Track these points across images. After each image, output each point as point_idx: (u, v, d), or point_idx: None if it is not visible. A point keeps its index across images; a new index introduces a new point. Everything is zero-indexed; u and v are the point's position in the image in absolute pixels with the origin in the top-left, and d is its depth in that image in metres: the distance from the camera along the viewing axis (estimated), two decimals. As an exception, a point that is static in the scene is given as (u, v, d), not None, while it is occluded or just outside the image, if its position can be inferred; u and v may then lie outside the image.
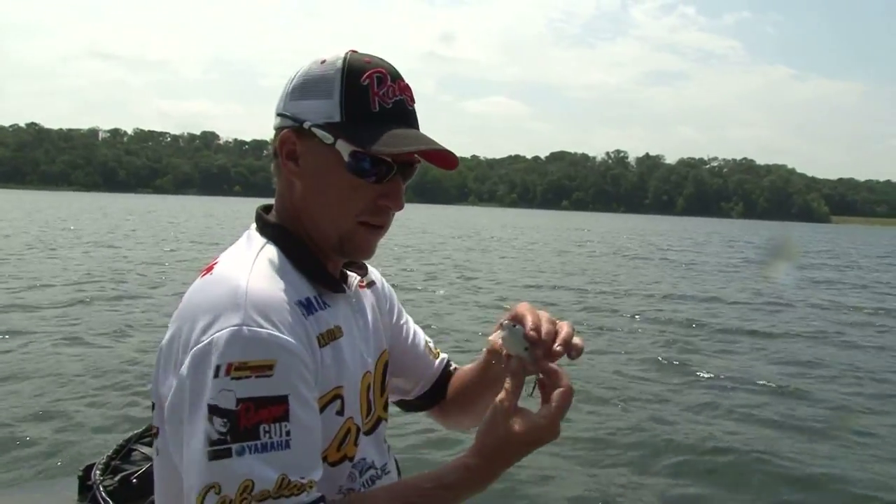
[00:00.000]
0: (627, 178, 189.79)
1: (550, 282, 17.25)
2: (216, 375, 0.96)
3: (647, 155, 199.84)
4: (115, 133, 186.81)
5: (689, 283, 18.58)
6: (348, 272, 1.27)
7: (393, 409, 1.40)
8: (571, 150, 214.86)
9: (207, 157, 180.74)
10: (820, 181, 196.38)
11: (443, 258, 22.97)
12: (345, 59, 1.12)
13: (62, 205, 62.23)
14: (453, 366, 1.49)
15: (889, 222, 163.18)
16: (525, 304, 1.15)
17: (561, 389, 1.06)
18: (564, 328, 1.12)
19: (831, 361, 9.16)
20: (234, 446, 0.94)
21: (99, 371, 7.15)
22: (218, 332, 0.98)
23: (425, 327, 1.56)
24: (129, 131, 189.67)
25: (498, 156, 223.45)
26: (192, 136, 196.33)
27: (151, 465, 1.18)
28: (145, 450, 1.65)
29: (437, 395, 1.46)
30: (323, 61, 1.13)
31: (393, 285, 1.48)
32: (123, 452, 1.74)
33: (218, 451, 0.94)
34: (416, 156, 1.17)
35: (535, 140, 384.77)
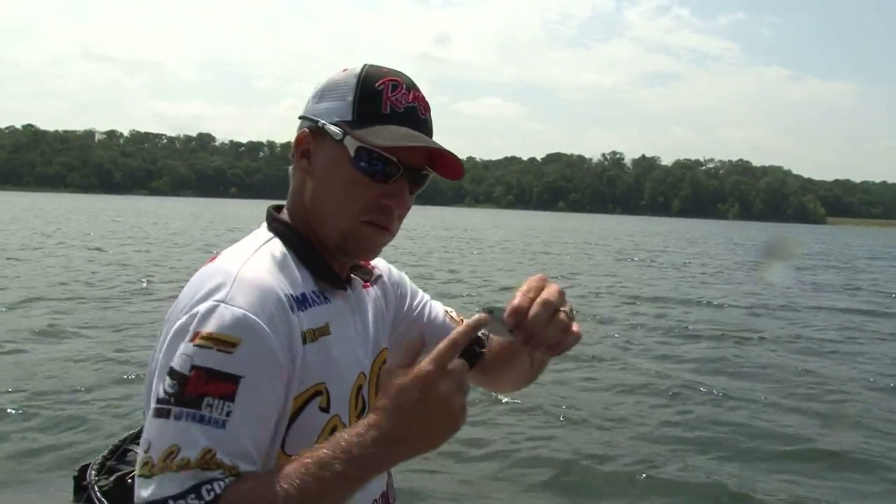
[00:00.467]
0: (624, 180, 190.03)
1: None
2: (190, 341, 1.00)
3: (644, 156, 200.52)
4: (112, 135, 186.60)
5: (687, 285, 18.63)
6: (353, 276, 1.28)
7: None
8: (566, 151, 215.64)
9: (203, 159, 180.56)
10: (816, 182, 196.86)
11: (427, 256, 22.97)
12: (364, 67, 1.18)
13: (60, 206, 62.06)
14: (482, 332, 1.47)
15: (885, 223, 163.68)
16: (537, 276, 1.10)
17: (447, 337, 1.00)
18: (558, 316, 1.06)
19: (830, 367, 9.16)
20: (175, 409, 0.96)
21: (94, 371, 7.15)
22: (199, 306, 1.02)
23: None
24: (126, 133, 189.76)
25: (494, 157, 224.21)
26: (188, 138, 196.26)
27: None
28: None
29: (469, 359, 1.43)
30: (345, 70, 1.19)
31: None
32: (119, 452, 1.74)
33: (160, 409, 0.97)
34: (426, 166, 1.20)
35: (531, 141, 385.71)
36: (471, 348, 1.46)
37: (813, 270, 24.87)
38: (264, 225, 1.23)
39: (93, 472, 1.35)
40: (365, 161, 1.14)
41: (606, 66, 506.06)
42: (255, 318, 1.01)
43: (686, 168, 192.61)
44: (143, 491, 0.96)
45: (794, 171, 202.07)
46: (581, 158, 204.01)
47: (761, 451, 5.69)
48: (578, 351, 9.12)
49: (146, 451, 0.97)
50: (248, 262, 1.09)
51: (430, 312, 1.47)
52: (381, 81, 1.16)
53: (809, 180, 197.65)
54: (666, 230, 66.59)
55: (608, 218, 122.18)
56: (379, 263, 1.40)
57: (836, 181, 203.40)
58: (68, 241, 24.14)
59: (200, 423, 0.96)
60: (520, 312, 1.04)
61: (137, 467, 1.00)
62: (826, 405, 7.09)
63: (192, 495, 0.93)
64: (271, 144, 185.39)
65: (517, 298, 1.06)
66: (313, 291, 1.16)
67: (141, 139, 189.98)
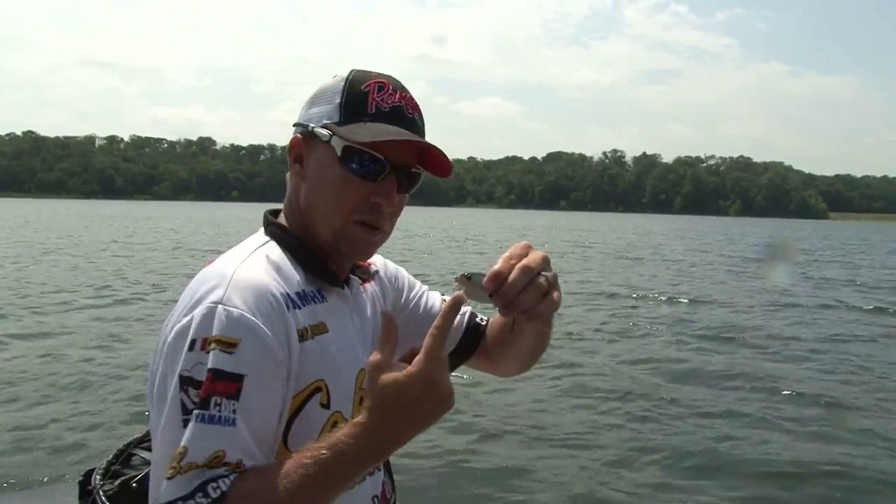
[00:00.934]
0: (625, 178, 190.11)
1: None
2: (190, 349, 1.01)
3: (644, 154, 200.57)
4: (112, 140, 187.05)
5: (690, 282, 18.63)
6: (351, 276, 1.30)
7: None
8: (566, 149, 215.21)
9: (204, 163, 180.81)
10: (817, 178, 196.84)
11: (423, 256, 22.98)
12: (351, 71, 1.21)
13: (60, 213, 62.13)
14: (479, 317, 1.50)
15: (887, 218, 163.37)
16: (522, 243, 1.11)
17: (430, 330, 1.00)
18: (538, 281, 1.06)
19: (832, 359, 9.16)
20: (192, 414, 0.99)
21: (99, 376, 7.17)
22: (197, 309, 1.04)
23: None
24: (126, 138, 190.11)
25: (495, 157, 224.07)
26: (188, 142, 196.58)
27: None
28: (145, 454, 1.66)
29: (469, 347, 1.47)
30: (335, 76, 1.22)
31: None
32: (123, 457, 1.74)
33: (169, 413, 1.01)
34: (417, 165, 1.22)
35: (530, 140, 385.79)
36: (472, 322, 1.48)
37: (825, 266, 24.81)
38: (261, 229, 1.25)
39: (98, 477, 1.34)
40: (352, 160, 1.15)
41: (605, 64, 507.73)
42: (251, 317, 1.03)
43: (687, 165, 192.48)
44: (155, 493, 0.99)
45: (795, 167, 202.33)
46: (582, 157, 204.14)
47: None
48: (575, 350, 9.13)
49: (159, 455, 1.00)
50: (243, 264, 1.11)
51: (427, 302, 1.48)
52: (367, 84, 1.19)
53: (810, 175, 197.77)
54: (664, 228, 66.49)
55: (610, 216, 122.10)
56: (375, 258, 1.41)
57: (837, 176, 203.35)
58: (79, 244, 24.19)
59: (210, 424, 0.98)
60: (499, 277, 1.05)
61: (152, 470, 1.03)
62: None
63: (200, 494, 0.95)
64: (272, 147, 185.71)
65: (498, 264, 1.06)
66: (310, 290, 1.17)
67: (141, 144, 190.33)
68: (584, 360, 8.59)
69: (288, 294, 1.12)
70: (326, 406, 1.15)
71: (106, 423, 5.80)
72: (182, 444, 0.97)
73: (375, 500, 1.28)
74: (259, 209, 1.34)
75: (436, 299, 1.50)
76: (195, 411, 0.98)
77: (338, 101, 1.18)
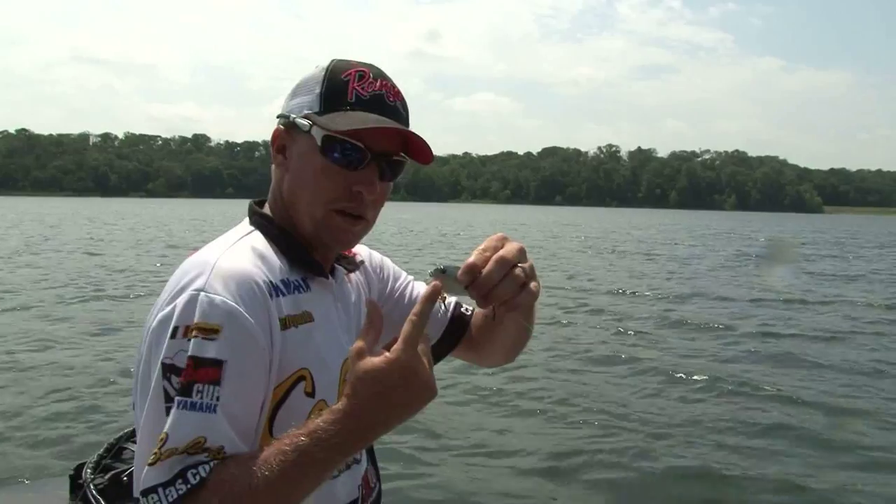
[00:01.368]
0: (620, 173, 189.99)
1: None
2: (173, 336, 1.02)
3: (640, 149, 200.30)
4: (106, 137, 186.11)
5: (679, 279, 18.60)
6: (336, 266, 1.30)
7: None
8: (561, 145, 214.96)
9: (199, 160, 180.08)
10: (812, 172, 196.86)
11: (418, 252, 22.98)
12: (331, 61, 1.21)
13: (52, 211, 61.92)
14: (465, 307, 1.50)
15: (882, 211, 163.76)
16: (496, 235, 1.12)
17: (409, 317, 1.00)
18: (514, 272, 1.06)
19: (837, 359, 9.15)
20: (174, 401, 0.99)
21: (89, 370, 7.18)
22: (180, 297, 1.05)
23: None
24: (120, 135, 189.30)
25: (490, 152, 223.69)
26: (183, 139, 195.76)
27: None
28: (136, 448, 1.67)
29: (454, 336, 1.48)
30: (317, 66, 1.22)
31: None
32: (115, 451, 1.74)
33: (152, 400, 1.01)
34: (401, 152, 1.21)
35: (525, 136, 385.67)
36: (456, 312, 1.48)
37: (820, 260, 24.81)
38: (246, 219, 1.26)
39: (88, 471, 1.35)
40: (333, 150, 1.15)
41: (599, 59, 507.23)
42: (234, 304, 1.03)
43: (682, 160, 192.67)
44: (138, 480, 0.99)
45: (790, 161, 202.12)
46: (577, 152, 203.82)
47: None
48: (571, 348, 9.15)
49: (143, 442, 1.01)
50: (226, 253, 1.12)
51: (412, 292, 1.48)
52: (347, 73, 1.18)
53: (805, 170, 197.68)
54: (658, 222, 66.55)
55: (605, 211, 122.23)
56: (360, 249, 1.41)
57: (832, 170, 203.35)
58: (66, 243, 24.13)
59: (191, 410, 0.98)
60: (473, 270, 1.04)
61: (136, 458, 1.03)
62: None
63: (180, 480, 0.95)
64: (267, 144, 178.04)
65: (472, 256, 1.06)
66: (294, 279, 1.17)
67: (136, 141, 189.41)
68: (582, 355, 8.60)
69: (271, 282, 1.11)
70: (311, 395, 1.15)
71: (97, 417, 5.80)
72: (164, 430, 0.97)
73: (360, 489, 1.28)
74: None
75: (421, 289, 1.50)
76: (177, 398, 0.98)
77: (318, 90, 1.17)
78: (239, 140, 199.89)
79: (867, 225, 78.73)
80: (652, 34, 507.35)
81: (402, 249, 23.97)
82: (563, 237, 36.32)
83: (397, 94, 1.21)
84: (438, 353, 1.44)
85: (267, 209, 1.26)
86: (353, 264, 1.35)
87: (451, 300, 1.47)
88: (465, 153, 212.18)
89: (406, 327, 0.99)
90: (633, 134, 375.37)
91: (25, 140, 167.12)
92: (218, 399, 0.99)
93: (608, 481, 4.94)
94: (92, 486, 1.27)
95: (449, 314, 1.48)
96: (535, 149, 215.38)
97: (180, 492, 0.95)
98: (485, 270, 1.04)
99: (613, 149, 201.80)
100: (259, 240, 1.19)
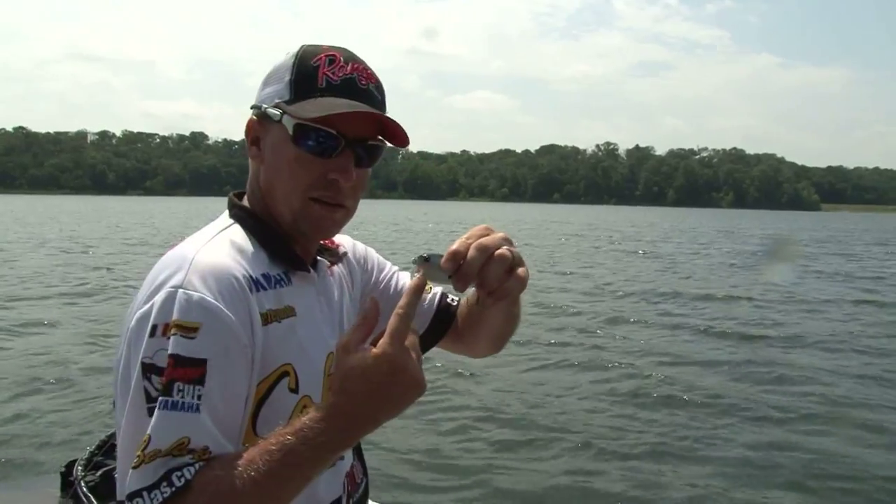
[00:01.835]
0: (618, 171, 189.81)
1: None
2: (151, 335, 0.99)
3: (637, 147, 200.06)
4: (104, 135, 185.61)
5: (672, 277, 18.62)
6: (319, 258, 1.28)
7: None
8: (559, 142, 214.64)
9: (197, 158, 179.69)
10: (809, 170, 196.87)
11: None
12: (301, 46, 1.18)
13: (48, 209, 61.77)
14: (451, 297, 1.48)
15: (879, 209, 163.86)
16: (481, 226, 1.10)
17: (396, 311, 0.98)
18: (499, 256, 1.04)
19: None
20: (157, 401, 0.96)
21: (81, 367, 7.21)
22: (157, 295, 1.02)
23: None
24: (118, 133, 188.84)
25: (488, 150, 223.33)
26: (181, 137, 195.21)
27: None
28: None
29: (441, 327, 1.46)
30: (287, 53, 1.19)
31: None
32: (105, 448, 1.79)
33: (133, 401, 0.98)
34: (379, 137, 1.18)
35: (523, 133, 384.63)
36: (442, 303, 1.47)
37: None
38: (226, 212, 1.23)
39: (79, 468, 1.34)
40: (306, 138, 1.12)
41: (597, 56, 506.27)
42: (213, 300, 1.01)
43: (680, 157, 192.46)
44: (122, 484, 0.97)
45: (788, 159, 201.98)
46: (575, 150, 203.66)
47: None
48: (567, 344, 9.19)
49: (125, 445, 0.99)
50: (204, 247, 1.09)
51: (397, 283, 1.46)
52: (317, 58, 1.15)
53: (803, 167, 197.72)
54: (656, 219, 66.52)
55: (603, 209, 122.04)
56: (343, 240, 1.40)
57: (830, 168, 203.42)
58: (60, 239, 24.12)
59: (173, 410, 0.95)
60: (457, 257, 1.03)
61: (119, 461, 1.00)
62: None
63: (164, 483, 0.93)
64: None
65: (455, 244, 1.04)
66: (275, 273, 1.15)
67: (133, 139, 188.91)
68: (581, 355, 8.65)
69: (251, 277, 1.09)
70: (295, 391, 1.13)
71: (89, 415, 5.82)
72: (147, 432, 0.95)
73: (344, 486, 1.26)
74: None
75: (407, 280, 1.48)
76: (159, 398, 0.96)
77: (287, 78, 1.15)
78: (237, 138, 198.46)
79: (862, 222, 78.62)
80: (649, 31, 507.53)
81: (399, 248, 23.99)
82: (550, 234, 36.29)
83: (370, 77, 1.18)
84: (425, 344, 1.40)
85: (246, 201, 1.24)
86: (335, 256, 1.33)
87: (437, 290, 1.46)
88: (463, 151, 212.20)
89: (393, 321, 0.97)
90: (630, 131, 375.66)
91: (23, 138, 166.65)
92: (200, 398, 0.97)
93: (595, 488, 4.97)
94: (83, 483, 1.28)
95: (435, 305, 1.46)
96: (533, 146, 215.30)
97: (165, 495, 0.92)
98: (468, 258, 1.03)
99: (611, 146, 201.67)
100: (238, 233, 1.16)
